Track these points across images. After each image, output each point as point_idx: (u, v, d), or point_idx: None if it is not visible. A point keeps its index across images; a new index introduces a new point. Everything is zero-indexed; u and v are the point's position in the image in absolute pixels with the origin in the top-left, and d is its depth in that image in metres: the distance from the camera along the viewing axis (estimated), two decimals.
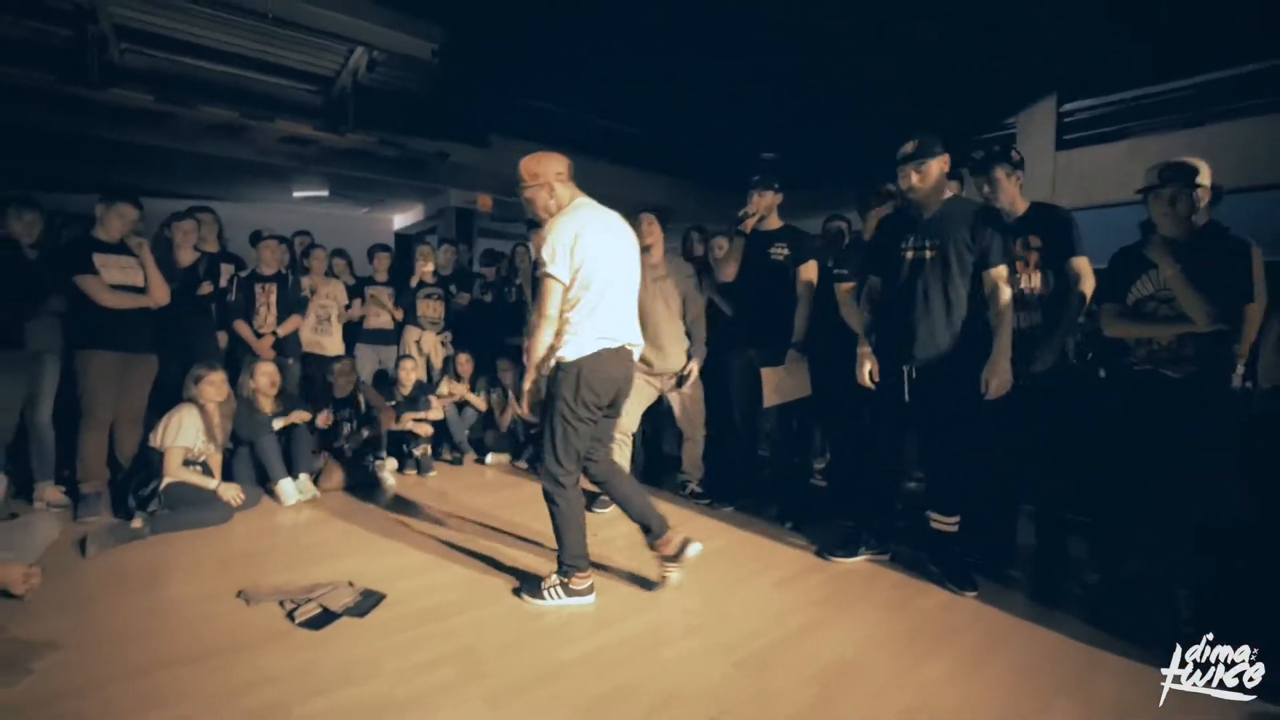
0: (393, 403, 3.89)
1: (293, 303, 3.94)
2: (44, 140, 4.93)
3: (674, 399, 3.36)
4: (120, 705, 1.58)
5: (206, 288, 3.59)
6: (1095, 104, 5.52)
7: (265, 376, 3.38)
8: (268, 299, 3.84)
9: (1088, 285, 2.37)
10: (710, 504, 3.33)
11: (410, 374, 3.95)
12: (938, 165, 2.32)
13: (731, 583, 2.41)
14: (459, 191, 7.07)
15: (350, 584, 2.25)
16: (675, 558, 2.23)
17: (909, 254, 2.38)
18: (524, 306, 4.23)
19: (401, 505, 3.30)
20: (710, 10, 4.55)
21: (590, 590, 2.20)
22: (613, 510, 3.14)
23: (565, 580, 2.17)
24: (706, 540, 2.84)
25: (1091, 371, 3.32)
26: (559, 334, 2.10)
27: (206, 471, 3.01)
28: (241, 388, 3.34)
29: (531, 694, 1.68)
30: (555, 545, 2.21)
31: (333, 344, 4.17)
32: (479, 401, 4.32)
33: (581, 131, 6.46)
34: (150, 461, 2.91)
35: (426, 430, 3.90)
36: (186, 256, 3.60)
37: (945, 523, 2.41)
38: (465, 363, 4.35)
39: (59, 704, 1.58)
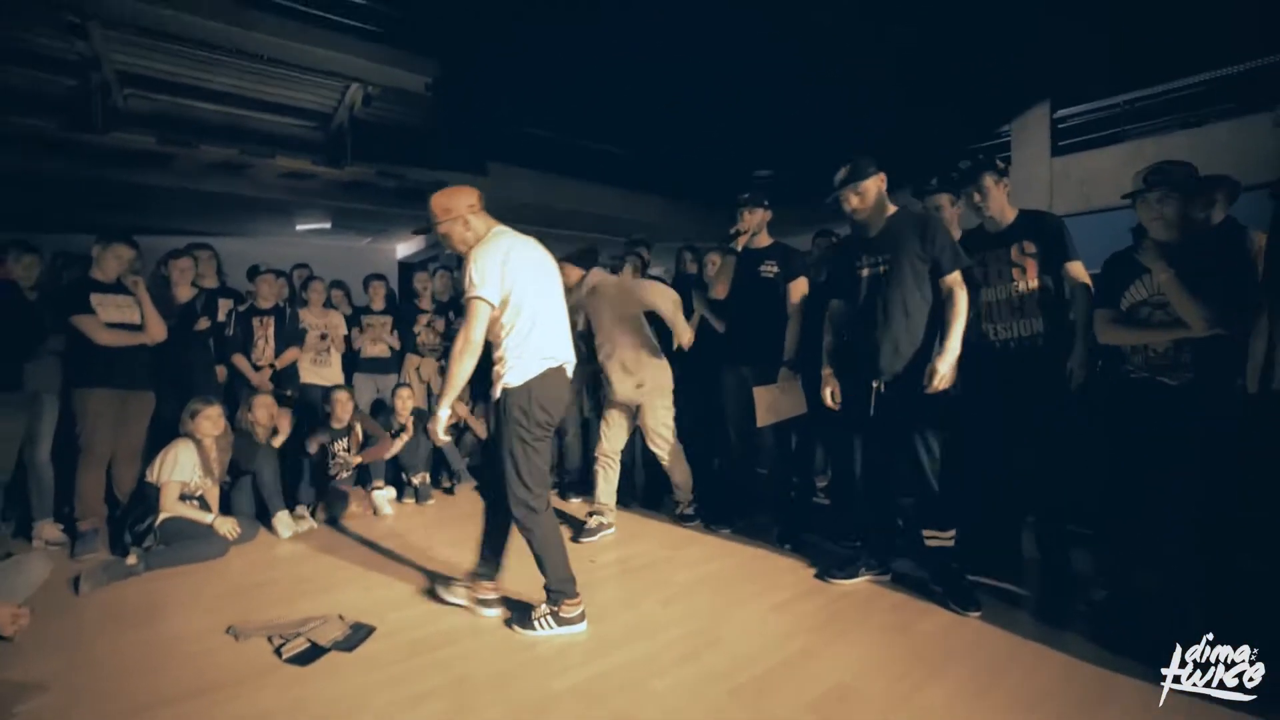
0: (390, 431, 3.89)
1: (290, 335, 3.97)
2: (49, 184, 5.07)
3: (642, 425, 3.26)
4: None
5: (203, 323, 3.63)
6: (1090, 109, 5.52)
7: (264, 409, 3.40)
8: (265, 332, 3.87)
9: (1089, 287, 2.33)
10: (705, 526, 3.28)
11: (406, 402, 3.95)
12: (874, 184, 2.38)
13: (728, 607, 2.36)
14: None
15: (340, 617, 2.22)
16: (483, 602, 2.30)
17: (864, 271, 2.43)
18: None
19: (397, 535, 3.27)
20: (701, 30, 4.60)
21: (582, 618, 2.16)
22: (600, 539, 3.11)
23: (555, 609, 2.13)
24: (703, 564, 2.82)
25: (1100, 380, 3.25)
26: (498, 362, 2.10)
27: (204, 506, 3.01)
28: (240, 421, 3.36)
29: None
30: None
31: (332, 375, 4.19)
32: (479, 427, 4.31)
33: (577, 156, 6.55)
34: (147, 497, 2.92)
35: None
36: (184, 293, 3.64)
37: (941, 538, 2.36)
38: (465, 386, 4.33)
39: None
